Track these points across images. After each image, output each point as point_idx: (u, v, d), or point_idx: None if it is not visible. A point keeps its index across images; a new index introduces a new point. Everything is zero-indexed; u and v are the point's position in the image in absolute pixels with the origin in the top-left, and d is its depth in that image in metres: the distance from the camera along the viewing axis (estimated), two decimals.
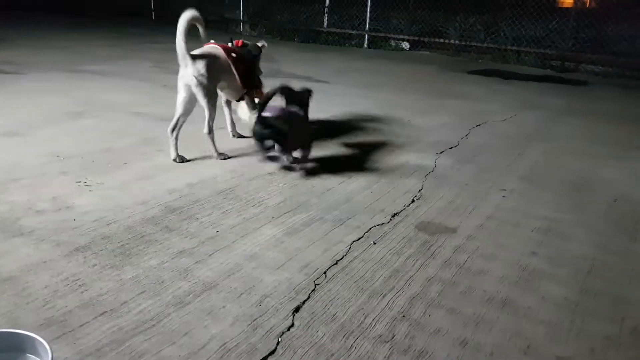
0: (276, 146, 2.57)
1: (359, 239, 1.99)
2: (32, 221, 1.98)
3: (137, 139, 3.05)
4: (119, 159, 2.70)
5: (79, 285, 1.58)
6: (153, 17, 12.26)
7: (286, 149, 2.60)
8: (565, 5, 8.15)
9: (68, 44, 7.23)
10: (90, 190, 2.28)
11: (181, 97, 2.78)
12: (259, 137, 2.55)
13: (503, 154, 3.14)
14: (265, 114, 2.52)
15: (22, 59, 5.75)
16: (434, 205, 2.34)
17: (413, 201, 2.37)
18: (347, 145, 3.17)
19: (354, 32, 8.92)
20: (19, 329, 1.26)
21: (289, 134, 2.52)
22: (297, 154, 2.70)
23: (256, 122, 2.51)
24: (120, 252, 1.80)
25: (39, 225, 1.94)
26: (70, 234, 1.90)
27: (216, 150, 2.84)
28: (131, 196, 2.25)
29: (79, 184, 2.35)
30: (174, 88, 4.30)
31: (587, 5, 7.86)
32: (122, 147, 2.89)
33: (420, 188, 2.53)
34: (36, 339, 1.16)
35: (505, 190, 2.56)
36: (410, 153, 3.07)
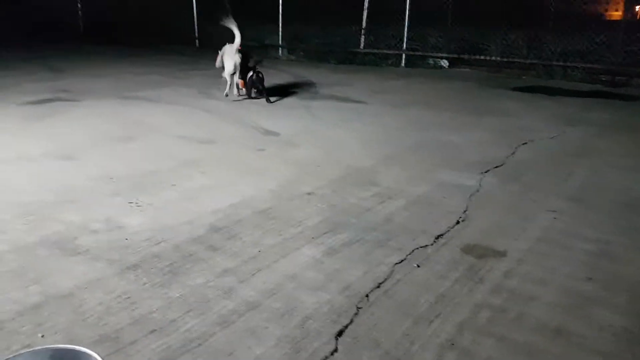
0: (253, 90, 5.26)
1: (402, 261, 1.97)
2: (87, 240, 2.08)
3: (181, 161, 3.16)
4: (165, 180, 2.81)
5: (130, 303, 1.64)
6: (197, 45, 12.76)
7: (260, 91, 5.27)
8: (613, 18, 7.93)
9: (117, 72, 7.62)
10: (140, 211, 2.38)
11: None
12: (250, 85, 5.28)
13: (550, 172, 3.06)
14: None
15: (78, 87, 6.10)
16: (480, 226, 2.30)
17: (458, 222, 2.33)
18: (384, 164, 3.18)
19: (391, 52, 8.97)
20: (75, 345, 1.32)
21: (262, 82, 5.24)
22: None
23: (249, 78, 5.25)
24: (169, 270, 1.86)
25: (94, 245, 2.04)
26: (122, 252, 1.98)
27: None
28: (178, 216, 2.33)
29: (130, 204, 2.46)
30: (215, 113, 4.48)
31: (638, 18, 7.61)
32: (168, 169, 3.00)
33: (465, 208, 2.49)
34: (92, 355, 1.21)
35: (554, 211, 2.48)
36: (452, 172, 3.04)
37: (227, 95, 5.42)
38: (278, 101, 5.38)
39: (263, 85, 5.36)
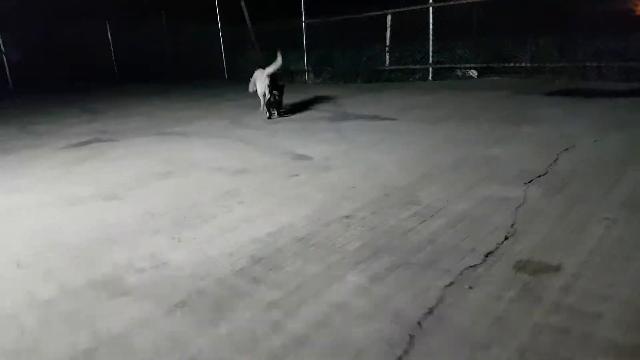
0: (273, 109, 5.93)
1: (452, 283, 1.88)
2: (133, 279, 2.09)
3: (218, 193, 3.18)
4: (205, 212, 2.82)
5: (180, 343, 1.62)
6: (226, 77, 13.10)
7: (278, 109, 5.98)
8: None
9: (152, 109, 7.88)
10: (183, 246, 2.39)
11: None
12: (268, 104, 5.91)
13: (597, 180, 2.90)
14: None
15: (115, 127, 6.33)
16: (530, 241, 2.18)
17: (506, 238, 2.22)
18: (422, 182, 3.10)
19: (417, 66, 8.93)
20: None
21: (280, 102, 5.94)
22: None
23: (267, 100, 5.85)
24: (215, 306, 1.84)
25: (140, 283, 2.05)
26: (168, 290, 1.98)
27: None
28: (219, 248, 2.32)
29: (173, 240, 2.47)
30: (248, 142, 4.50)
31: None
32: (206, 202, 3.02)
33: (512, 223, 2.38)
34: None
35: (607, 219, 2.34)
36: (495, 186, 2.92)
37: (261, 112, 6.24)
38: (308, 125, 5.40)
39: (279, 104, 6.14)
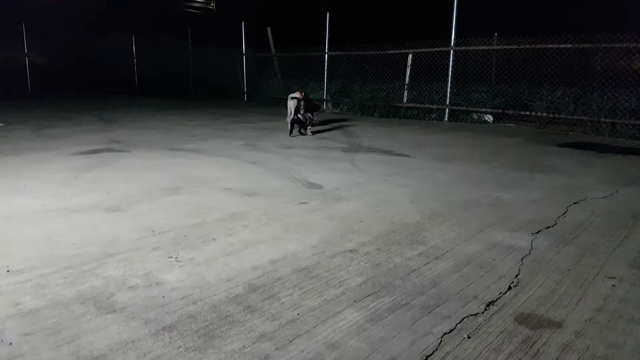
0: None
1: (451, 331, 1.79)
2: (124, 297, 2.02)
3: (225, 214, 3.13)
4: (208, 233, 2.77)
5: None
6: (245, 99, 13.26)
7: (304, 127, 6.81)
8: None
9: (168, 124, 7.96)
10: (180, 266, 2.32)
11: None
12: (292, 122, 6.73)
13: (607, 235, 2.80)
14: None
15: (128, 138, 6.37)
16: (534, 293, 2.08)
17: (510, 288, 2.13)
18: (430, 220, 3.02)
19: (434, 106, 8.94)
20: None
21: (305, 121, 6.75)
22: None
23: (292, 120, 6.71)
24: (204, 333, 1.75)
25: (130, 302, 1.97)
26: (159, 311, 1.90)
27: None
28: (217, 272, 2.25)
29: (170, 259, 2.41)
30: (261, 165, 4.48)
31: None
32: (211, 222, 2.97)
33: (517, 273, 2.28)
34: None
35: (614, 277, 2.23)
36: (503, 232, 2.84)
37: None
38: (322, 153, 5.38)
39: (304, 124, 6.90)
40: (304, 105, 7.04)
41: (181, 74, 14.93)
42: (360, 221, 3.03)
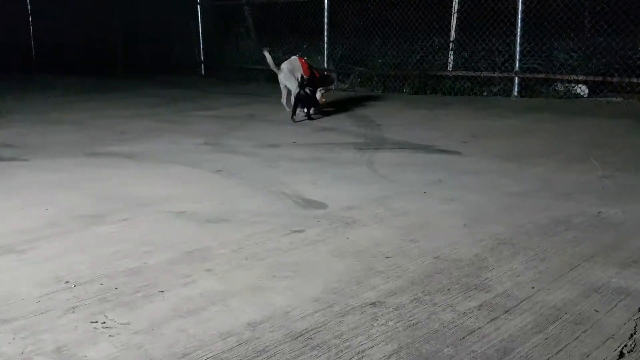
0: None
1: None
2: None
3: (177, 253, 3.14)
4: (152, 283, 2.77)
5: None
6: (203, 72, 13.33)
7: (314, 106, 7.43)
8: None
9: (86, 116, 8.00)
10: (110, 336, 2.33)
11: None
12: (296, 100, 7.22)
13: None
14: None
15: (25, 139, 6.40)
16: None
17: (622, 355, 2.13)
18: (495, 253, 3.03)
19: (496, 74, 8.96)
20: None
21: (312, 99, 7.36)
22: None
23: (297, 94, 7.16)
24: None
25: None
26: None
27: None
28: (167, 345, 2.25)
29: (94, 325, 2.41)
30: (232, 174, 4.51)
31: None
32: (155, 266, 2.98)
33: (633, 331, 2.29)
34: None
35: None
36: (608, 268, 2.85)
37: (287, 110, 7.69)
38: (324, 154, 5.42)
39: (313, 102, 7.42)
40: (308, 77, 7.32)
41: (105, 39, 15.01)
42: (387, 257, 3.04)
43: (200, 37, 13.25)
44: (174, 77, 12.81)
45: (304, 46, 11.20)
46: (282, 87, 7.74)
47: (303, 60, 7.61)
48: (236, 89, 10.82)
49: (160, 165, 5.15)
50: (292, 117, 7.26)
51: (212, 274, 2.88)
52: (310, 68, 7.51)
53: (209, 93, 10.38)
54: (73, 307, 2.56)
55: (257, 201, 4.05)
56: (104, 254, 3.16)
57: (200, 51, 13.35)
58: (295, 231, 3.44)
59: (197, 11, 13.17)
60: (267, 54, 7.92)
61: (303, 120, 7.23)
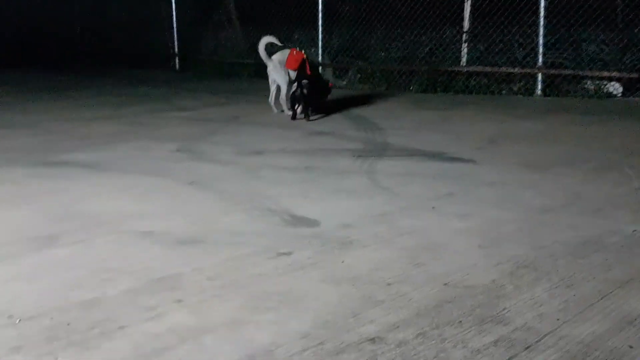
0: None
1: None
2: None
3: (141, 281, 3.12)
4: (110, 318, 2.75)
5: None
6: (177, 67, 13.35)
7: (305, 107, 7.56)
8: None
9: (43, 117, 7.99)
10: None
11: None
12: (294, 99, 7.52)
13: None
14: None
15: None
16: None
17: None
18: (514, 279, 3.02)
19: (516, 70, 8.99)
20: None
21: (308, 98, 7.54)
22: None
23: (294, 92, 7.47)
24: None
25: None
26: None
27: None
28: None
29: None
30: (209, 186, 4.48)
31: None
32: (116, 297, 2.96)
33: None
34: None
35: None
36: None
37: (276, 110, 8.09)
38: (317, 162, 5.44)
39: (313, 100, 7.61)
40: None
41: (63, 27, 15.02)
42: (389, 284, 3.03)
43: (175, 26, 13.28)
44: (145, 73, 12.85)
45: (295, 37, 11.23)
46: (270, 82, 7.85)
47: (294, 52, 7.66)
48: (216, 87, 10.87)
49: (125, 176, 5.13)
50: (292, 115, 7.55)
51: (183, 305, 2.86)
52: (302, 62, 7.53)
53: (185, 91, 10.39)
54: (17, 347, 2.53)
55: (237, 218, 4.05)
56: (55, 282, 3.13)
57: (174, 43, 13.37)
58: (282, 254, 3.43)
59: None
60: (264, 39, 8.01)
61: (300, 119, 7.41)
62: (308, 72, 7.49)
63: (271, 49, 8.06)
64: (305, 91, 7.23)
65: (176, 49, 13.41)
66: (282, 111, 7.82)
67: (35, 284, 3.12)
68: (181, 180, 4.92)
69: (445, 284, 3.01)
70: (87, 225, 3.95)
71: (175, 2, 13.21)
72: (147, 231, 3.81)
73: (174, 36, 13.35)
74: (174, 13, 13.26)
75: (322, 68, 10.79)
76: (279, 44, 8.10)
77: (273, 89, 7.85)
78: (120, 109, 8.64)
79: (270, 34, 8.35)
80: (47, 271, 3.28)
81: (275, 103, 7.80)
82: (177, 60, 13.46)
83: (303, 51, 7.89)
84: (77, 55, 14.68)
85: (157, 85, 11.12)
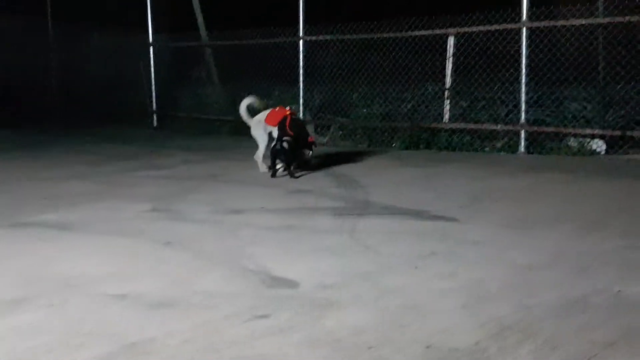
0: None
1: None
2: None
3: (114, 346, 3.07)
4: None
5: None
6: (155, 124, 13.38)
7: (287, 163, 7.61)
8: None
9: (14, 176, 7.95)
10: None
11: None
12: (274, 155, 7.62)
13: None
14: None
15: None
16: None
17: None
18: (499, 341, 3.00)
19: (499, 127, 9.08)
20: None
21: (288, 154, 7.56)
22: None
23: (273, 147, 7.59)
24: None
25: None
26: None
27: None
28: None
29: None
30: (185, 245, 4.47)
31: None
32: None
33: None
34: None
35: None
36: (633, 357, 2.84)
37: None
38: (297, 220, 5.44)
39: (296, 157, 7.65)
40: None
41: (37, 83, 15.05)
42: (370, 347, 3.01)
43: (153, 83, 13.34)
44: (121, 130, 12.86)
45: (276, 93, 11.31)
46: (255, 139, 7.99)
47: (276, 109, 7.83)
48: (194, 144, 10.87)
49: (98, 237, 5.10)
50: (271, 173, 7.61)
51: None
52: (282, 119, 7.61)
53: (161, 148, 10.40)
54: None
55: (214, 279, 4.02)
56: (21, 349, 3.08)
57: (152, 99, 13.42)
58: (259, 316, 3.40)
59: (150, 53, 13.27)
60: (245, 100, 8.18)
61: (284, 175, 7.51)
62: (288, 129, 7.48)
63: (256, 111, 8.20)
64: (285, 145, 7.27)
65: (154, 106, 13.45)
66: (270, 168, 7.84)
67: (0, 351, 3.07)
68: (156, 241, 4.90)
69: (428, 347, 2.99)
70: (58, 288, 3.91)
71: (153, 59, 13.30)
72: (120, 294, 3.77)
73: (152, 93, 13.40)
74: (152, 69, 13.34)
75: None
76: (259, 105, 8.20)
77: (261, 145, 7.90)
78: (95, 167, 8.62)
79: (250, 94, 8.46)
80: (13, 337, 3.23)
81: (263, 160, 7.83)
82: (154, 118, 13.49)
83: (289, 107, 8.02)
84: (52, 112, 14.68)
85: (133, 142, 11.13)
